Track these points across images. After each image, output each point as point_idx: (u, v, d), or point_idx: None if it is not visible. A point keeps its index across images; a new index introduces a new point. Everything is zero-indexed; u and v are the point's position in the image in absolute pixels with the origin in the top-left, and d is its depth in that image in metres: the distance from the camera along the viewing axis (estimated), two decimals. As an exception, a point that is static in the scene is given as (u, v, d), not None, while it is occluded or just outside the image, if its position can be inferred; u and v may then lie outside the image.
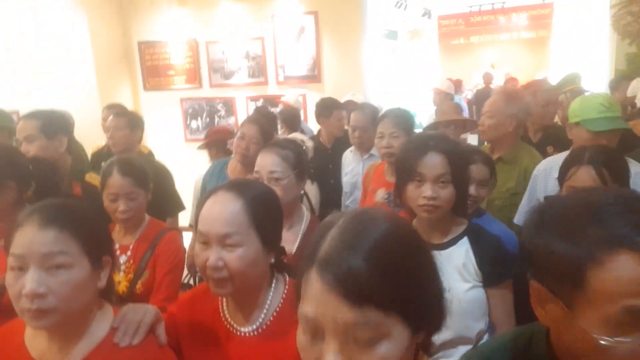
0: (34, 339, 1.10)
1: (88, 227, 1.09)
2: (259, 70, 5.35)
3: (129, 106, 5.14)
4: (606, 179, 1.56)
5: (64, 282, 1.00)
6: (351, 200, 3.15)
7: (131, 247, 1.91)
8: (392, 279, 0.64)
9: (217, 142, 3.36)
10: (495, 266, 1.48)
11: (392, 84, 10.57)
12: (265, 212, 1.18)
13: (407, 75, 11.48)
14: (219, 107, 5.53)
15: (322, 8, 5.01)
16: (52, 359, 1.06)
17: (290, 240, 1.76)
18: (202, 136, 4.47)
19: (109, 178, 1.88)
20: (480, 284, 1.49)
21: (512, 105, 2.47)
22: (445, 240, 1.53)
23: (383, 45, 10.87)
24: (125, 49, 5.66)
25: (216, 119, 5.56)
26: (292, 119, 4.20)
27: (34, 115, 2.32)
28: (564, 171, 1.67)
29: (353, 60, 5.06)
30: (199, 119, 5.63)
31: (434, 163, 1.45)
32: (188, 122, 5.66)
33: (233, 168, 2.67)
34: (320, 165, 3.25)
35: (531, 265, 0.80)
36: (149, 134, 5.60)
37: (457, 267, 1.49)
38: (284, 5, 5.13)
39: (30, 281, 0.97)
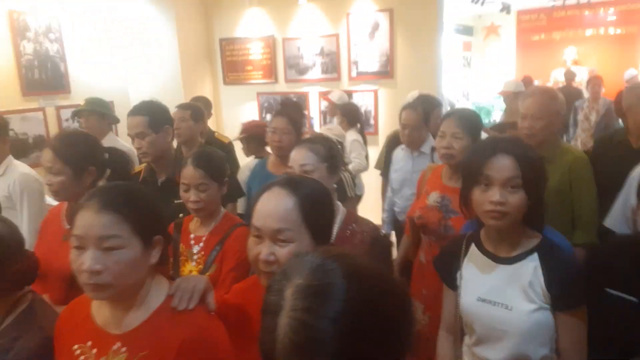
0: (99, 309, 1.22)
1: (140, 210, 1.17)
2: (332, 66, 5.49)
3: (210, 99, 5.48)
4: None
5: (117, 261, 1.10)
6: (399, 196, 3.17)
7: (204, 238, 1.95)
8: None
9: (256, 136, 3.38)
10: (565, 289, 1.36)
11: (466, 81, 10.35)
12: (318, 210, 1.20)
13: (482, 73, 11.18)
14: (293, 101, 5.73)
15: (398, 5, 5.06)
16: (114, 325, 1.18)
17: None
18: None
19: (184, 168, 1.95)
20: (548, 306, 1.37)
21: (556, 103, 2.40)
22: (514, 254, 1.43)
23: (457, 42, 10.65)
24: (208, 45, 6.01)
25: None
26: (352, 114, 4.30)
27: (139, 111, 2.39)
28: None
29: (427, 57, 5.06)
30: (274, 112, 5.87)
31: (502, 165, 1.35)
32: (264, 115, 5.91)
33: (273, 163, 2.78)
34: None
35: None
36: (227, 126, 5.94)
37: (522, 285, 1.39)
38: (359, 3, 5.22)
39: (88, 259, 1.09)
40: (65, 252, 1.82)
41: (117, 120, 3.85)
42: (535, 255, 1.41)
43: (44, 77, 4.19)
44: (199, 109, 3.26)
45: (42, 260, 1.87)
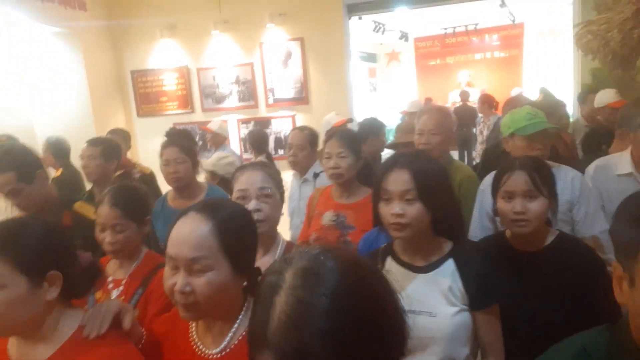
0: (13, 344, 1.18)
1: (24, 248, 1.11)
2: (249, 94, 5.60)
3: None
4: (537, 181, 1.60)
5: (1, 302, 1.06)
6: (291, 225, 3.10)
7: (124, 282, 1.81)
8: (348, 353, 0.63)
9: None
10: (480, 288, 1.43)
11: (373, 105, 10.92)
12: (237, 234, 1.14)
13: (387, 96, 11.87)
14: (211, 130, 5.74)
15: (307, 34, 5.32)
16: (24, 358, 1.14)
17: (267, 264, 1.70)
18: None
19: (99, 207, 1.80)
20: (467, 307, 1.43)
21: (450, 121, 2.53)
22: (430, 261, 1.48)
23: (363, 68, 11.26)
24: (119, 77, 5.87)
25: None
26: (258, 141, 4.37)
27: (3, 169, 2.17)
28: (498, 180, 1.69)
29: (338, 82, 5.35)
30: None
31: (398, 179, 1.42)
32: (181, 146, 5.84)
33: (172, 197, 2.63)
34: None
35: (615, 248, 0.90)
36: (142, 158, 5.79)
37: (442, 290, 1.44)
38: (271, 33, 5.42)
39: None
40: None
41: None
42: (450, 261, 1.46)
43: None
44: (112, 145, 3.00)
45: None
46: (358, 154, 2.32)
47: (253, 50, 5.50)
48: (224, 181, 3.00)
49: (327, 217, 2.30)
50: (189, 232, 1.11)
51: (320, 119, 5.27)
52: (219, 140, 4.62)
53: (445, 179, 1.51)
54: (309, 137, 3.09)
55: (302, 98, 5.43)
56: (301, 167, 3.10)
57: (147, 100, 5.90)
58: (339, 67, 5.35)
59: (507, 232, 1.73)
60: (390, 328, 0.70)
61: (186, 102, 5.77)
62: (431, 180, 1.44)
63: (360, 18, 6.05)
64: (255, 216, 1.49)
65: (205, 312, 1.12)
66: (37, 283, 1.10)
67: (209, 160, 3.39)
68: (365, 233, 2.03)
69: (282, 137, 5.52)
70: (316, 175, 3.04)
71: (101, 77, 5.57)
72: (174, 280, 1.10)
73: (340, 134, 2.39)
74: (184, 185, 2.55)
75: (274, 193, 1.67)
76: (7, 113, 4.39)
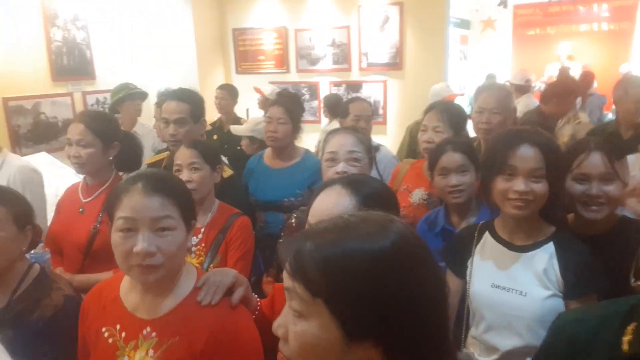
0: (128, 293, 1.23)
1: (184, 195, 1.22)
2: (343, 57, 5.69)
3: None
4: (614, 164, 1.51)
5: (170, 242, 1.14)
6: None
7: (202, 230, 1.92)
8: (334, 283, 0.68)
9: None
10: (579, 277, 1.39)
11: (463, 74, 10.59)
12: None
13: (478, 66, 11.43)
14: (304, 91, 5.93)
15: (407, -1, 5.27)
16: (143, 310, 1.20)
17: None
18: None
19: (177, 151, 1.99)
20: (561, 294, 1.41)
21: (511, 100, 2.40)
22: (528, 243, 1.47)
23: (454, 35, 10.88)
24: (222, 35, 6.18)
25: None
26: (333, 106, 4.36)
27: (183, 98, 2.36)
28: (570, 161, 1.56)
29: (434, 50, 5.28)
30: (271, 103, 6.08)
31: (527, 156, 1.37)
32: (274, 104, 6.10)
33: (269, 156, 2.66)
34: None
35: None
36: (240, 114, 6.12)
37: (537, 272, 1.42)
38: (371, -4, 5.43)
39: (142, 241, 1.10)
40: (81, 224, 2.02)
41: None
42: (550, 244, 1.44)
43: (71, 63, 4.35)
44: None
45: (59, 234, 2.03)
46: (458, 130, 2.22)
47: (350, 13, 5.55)
48: (263, 145, 2.92)
49: (418, 195, 2.23)
50: (332, 205, 1.13)
51: (413, 85, 5.30)
52: (267, 105, 4.71)
53: (567, 161, 1.50)
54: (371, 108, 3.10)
55: (395, 64, 5.44)
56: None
57: (245, 58, 6.17)
58: (436, 35, 5.27)
59: (569, 216, 1.65)
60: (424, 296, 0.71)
61: (282, 62, 5.98)
62: (558, 160, 1.42)
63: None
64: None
65: None
66: (189, 229, 1.24)
67: (246, 126, 3.38)
68: (432, 212, 2.04)
69: (372, 102, 5.60)
70: (376, 149, 2.99)
71: (207, 34, 5.91)
72: None
73: (441, 107, 2.30)
74: (281, 146, 2.57)
75: (363, 157, 1.72)
76: (126, 66, 4.82)
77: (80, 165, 2.03)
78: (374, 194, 1.17)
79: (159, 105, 3.98)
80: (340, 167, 1.67)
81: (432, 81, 4.93)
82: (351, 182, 1.18)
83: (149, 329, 1.17)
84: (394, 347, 0.69)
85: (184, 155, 1.96)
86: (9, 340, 1.24)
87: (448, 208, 1.98)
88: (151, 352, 1.15)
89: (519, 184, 1.38)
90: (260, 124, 3.14)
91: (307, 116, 5.38)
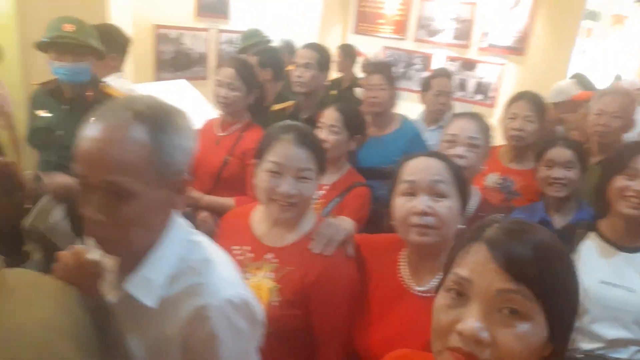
0: (259, 223, 1.45)
1: (322, 152, 1.43)
2: (463, 34, 5.63)
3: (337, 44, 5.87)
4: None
5: (307, 188, 1.36)
6: None
7: (325, 187, 2.01)
8: (548, 275, 0.70)
9: None
10: None
11: (582, 66, 9.99)
12: (464, 179, 1.31)
13: (597, 62, 10.73)
14: (416, 60, 5.96)
15: (545, -16, 5.08)
16: (269, 239, 1.41)
17: None
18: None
19: (329, 109, 2.14)
20: None
21: (634, 108, 2.36)
22: (636, 245, 1.58)
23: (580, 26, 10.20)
24: (347, -7, 6.29)
25: (412, 72, 6.01)
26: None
27: (314, 48, 2.67)
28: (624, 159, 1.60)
29: (563, 40, 5.09)
30: (395, 67, 6.15)
31: None
32: (384, 69, 6.20)
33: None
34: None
35: None
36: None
37: None
38: (506, -25, 5.28)
39: (286, 185, 1.33)
40: (216, 154, 2.27)
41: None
42: None
43: (213, 1, 4.66)
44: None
45: (196, 160, 2.25)
46: (542, 121, 2.31)
47: (480, -11, 5.45)
48: None
49: (492, 179, 2.29)
50: (427, 164, 1.27)
51: (532, 73, 5.18)
52: (369, 70, 4.74)
53: None
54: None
55: (518, 48, 5.32)
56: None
57: (364, 19, 6.26)
58: (568, 25, 5.06)
59: (602, 224, 1.69)
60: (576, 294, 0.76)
61: (401, 28, 6.01)
62: None
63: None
64: (459, 161, 1.62)
65: (442, 236, 1.21)
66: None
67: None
68: (532, 203, 2.11)
69: (484, 82, 5.55)
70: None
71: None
72: (412, 204, 1.23)
73: (531, 97, 2.34)
74: (379, 112, 2.61)
75: (481, 145, 1.78)
76: (259, 12, 5.07)
77: (226, 105, 2.27)
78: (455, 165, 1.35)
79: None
80: (459, 150, 1.75)
81: (554, 73, 4.81)
82: (434, 153, 1.36)
83: (272, 255, 1.37)
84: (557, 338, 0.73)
85: (328, 116, 2.10)
86: None
87: (546, 201, 2.06)
88: (271, 274, 1.35)
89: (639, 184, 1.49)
90: None
91: (414, 86, 5.44)
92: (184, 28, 4.38)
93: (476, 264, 0.71)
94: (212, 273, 0.95)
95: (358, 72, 4.75)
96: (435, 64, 5.82)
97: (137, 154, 0.85)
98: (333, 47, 4.67)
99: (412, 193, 1.24)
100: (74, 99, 2.24)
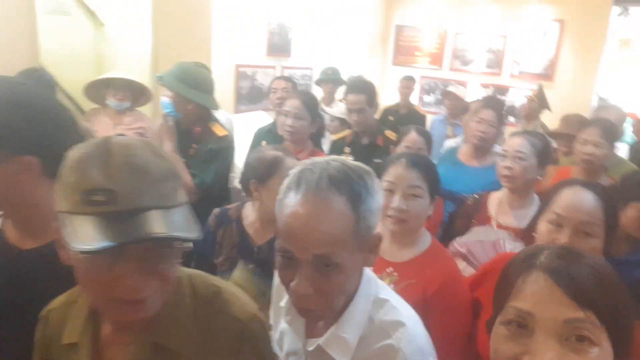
0: None
1: (433, 174, 1.53)
2: (496, 63, 6.24)
3: (378, 75, 6.56)
4: None
5: (417, 205, 1.46)
6: None
7: None
8: (610, 298, 0.70)
9: None
10: None
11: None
12: (615, 212, 1.34)
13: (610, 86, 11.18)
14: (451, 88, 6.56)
15: (570, 16, 5.68)
16: (389, 254, 1.48)
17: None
18: (432, 108, 5.93)
19: (408, 135, 2.42)
20: None
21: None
22: None
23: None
24: (385, 30, 6.95)
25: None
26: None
27: (361, 90, 2.73)
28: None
29: (588, 66, 5.67)
30: (432, 94, 6.75)
31: None
32: (422, 95, 6.80)
33: (464, 153, 2.77)
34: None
35: None
36: (387, 101, 6.88)
37: None
38: (533, 9, 5.90)
39: (396, 200, 1.44)
40: None
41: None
42: None
43: (278, 42, 5.30)
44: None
45: None
46: (614, 146, 2.52)
47: (510, 22, 6.05)
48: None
49: None
50: (581, 200, 1.29)
51: (560, 97, 5.73)
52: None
53: None
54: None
55: (547, 75, 5.90)
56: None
57: (402, 52, 6.91)
58: (593, 51, 5.63)
59: None
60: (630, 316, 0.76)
61: (437, 59, 6.64)
62: None
63: (626, 9, 6.14)
64: (506, 172, 1.98)
65: None
66: (432, 202, 1.58)
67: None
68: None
69: (515, 106, 6.11)
70: None
71: (373, 28, 6.69)
72: (555, 236, 1.29)
73: (603, 124, 2.52)
74: (485, 146, 2.66)
75: (529, 158, 2.00)
76: (315, 50, 5.70)
77: (292, 133, 2.42)
78: (612, 200, 1.37)
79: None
80: (507, 162, 2.03)
81: (581, 96, 5.38)
82: (589, 184, 1.36)
83: (391, 269, 1.46)
84: None
85: (413, 141, 2.38)
86: None
87: None
88: (391, 286, 1.37)
89: None
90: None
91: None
92: (257, 66, 5.00)
93: (538, 295, 0.71)
94: (403, 337, 0.95)
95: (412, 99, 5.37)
96: (470, 90, 6.41)
97: (343, 226, 0.87)
98: (374, 77, 5.27)
99: (559, 225, 1.30)
100: (183, 132, 2.43)
